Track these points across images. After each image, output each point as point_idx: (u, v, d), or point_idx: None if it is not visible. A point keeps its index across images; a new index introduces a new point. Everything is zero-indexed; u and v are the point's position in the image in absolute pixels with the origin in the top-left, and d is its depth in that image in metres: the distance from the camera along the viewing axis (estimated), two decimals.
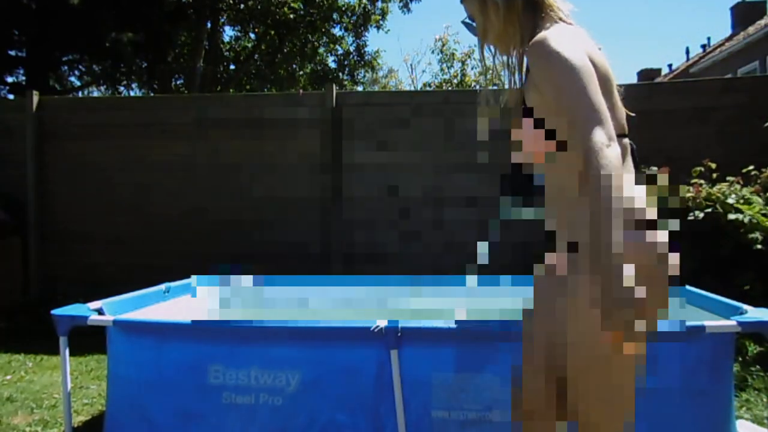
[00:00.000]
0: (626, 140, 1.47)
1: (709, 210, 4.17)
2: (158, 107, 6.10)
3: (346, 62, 16.99)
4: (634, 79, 31.55)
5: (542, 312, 1.46)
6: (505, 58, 1.56)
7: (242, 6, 14.53)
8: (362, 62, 16.93)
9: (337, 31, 16.57)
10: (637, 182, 1.45)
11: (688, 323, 2.25)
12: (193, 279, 3.67)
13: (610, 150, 1.22)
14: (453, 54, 19.22)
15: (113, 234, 5.78)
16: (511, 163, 1.55)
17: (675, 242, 1.41)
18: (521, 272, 3.63)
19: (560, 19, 1.47)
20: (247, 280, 3.81)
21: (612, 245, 1.17)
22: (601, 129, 1.23)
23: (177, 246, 5.69)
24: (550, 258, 1.48)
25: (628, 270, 1.17)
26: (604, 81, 1.39)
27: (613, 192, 1.18)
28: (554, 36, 1.36)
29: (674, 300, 2.95)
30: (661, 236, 1.39)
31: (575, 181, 1.35)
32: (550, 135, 1.39)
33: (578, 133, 1.25)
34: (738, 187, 4.32)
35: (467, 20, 1.60)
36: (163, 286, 3.22)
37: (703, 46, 26.29)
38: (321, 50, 16.89)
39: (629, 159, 1.49)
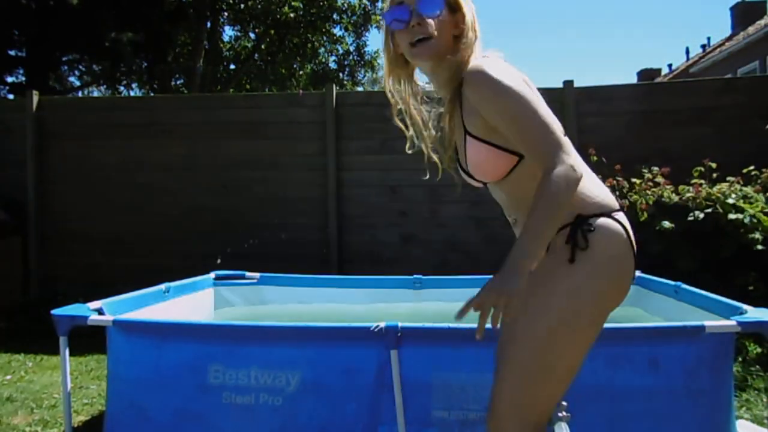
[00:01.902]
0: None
1: (710, 210, 4.17)
2: (158, 107, 6.11)
3: (346, 62, 17.00)
4: (634, 79, 31.55)
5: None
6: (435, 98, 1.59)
7: (242, 6, 14.53)
8: (362, 62, 16.94)
9: (337, 31, 16.59)
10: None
11: (688, 323, 2.25)
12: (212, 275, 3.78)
13: (574, 174, 1.29)
14: None
15: (113, 234, 5.78)
16: None
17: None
18: None
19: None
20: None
21: (527, 253, 1.27)
22: (564, 153, 1.30)
23: (177, 246, 5.69)
24: None
25: (522, 281, 1.25)
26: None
27: (552, 214, 1.28)
28: (490, 65, 1.39)
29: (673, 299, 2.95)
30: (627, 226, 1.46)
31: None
32: (504, 149, 1.43)
33: (542, 156, 1.31)
34: (738, 187, 4.32)
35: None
36: (163, 286, 3.22)
37: (703, 46, 26.30)
38: (321, 50, 16.89)
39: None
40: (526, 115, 1.33)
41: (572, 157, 1.30)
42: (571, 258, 1.37)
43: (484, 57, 1.46)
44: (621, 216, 1.45)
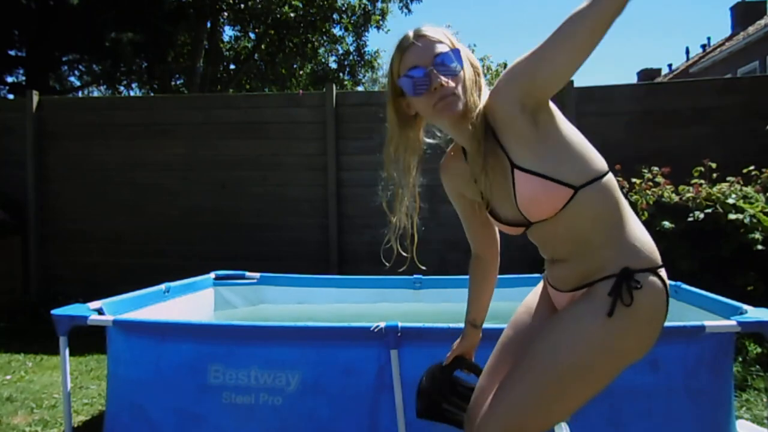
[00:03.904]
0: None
1: (710, 210, 4.17)
2: (158, 107, 6.11)
3: (346, 62, 16.99)
4: (634, 79, 31.58)
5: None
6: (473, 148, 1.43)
7: (242, 6, 14.52)
8: (362, 62, 16.93)
9: (337, 31, 16.58)
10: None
11: (688, 323, 2.25)
12: (212, 275, 3.78)
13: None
14: None
15: (113, 234, 5.78)
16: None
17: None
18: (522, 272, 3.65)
19: None
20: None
21: None
22: None
23: (177, 246, 5.69)
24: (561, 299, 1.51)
25: None
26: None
27: None
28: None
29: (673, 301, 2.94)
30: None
31: (599, 226, 1.38)
32: (555, 181, 1.34)
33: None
34: (738, 187, 4.32)
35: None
36: (163, 286, 3.22)
37: (703, 46, 26.32)
38: (321, 50, 16.88)
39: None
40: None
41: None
42: (610, 312, 1.34)
43: None
44: (664, 273, 1.42)
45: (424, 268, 1.84)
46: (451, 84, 1.38)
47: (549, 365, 1.37)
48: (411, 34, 1.43)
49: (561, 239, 1.42)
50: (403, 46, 1.42)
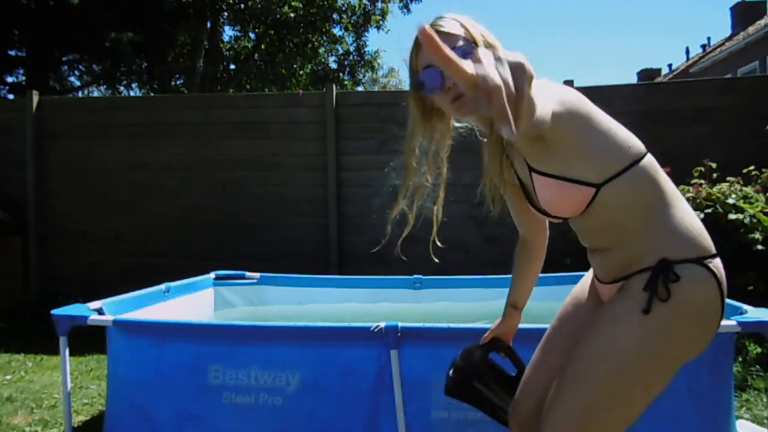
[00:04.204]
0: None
1: (710, 210, 4.17)
2: (158, 107, 6.10)
3: (346, 62, 17.00)
4: (634, 79, 31.58)
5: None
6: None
7: (242, 6, 14.52)
8: (362, 62, 16.94)
9: (337, 31, 16.59)
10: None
11: None
12: (212, 275, 3.78)
13: None
14: None
15: (113, 234, 5.78)
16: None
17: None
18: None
19: None
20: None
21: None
22: None
23: (177, 246, 5.69)
24: (604, 290, 1.44)
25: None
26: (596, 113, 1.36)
27: None
28: None
29: None
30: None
31: (633, 215, 1.30)
32: (574, 181, 1.27)
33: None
34: (738, 187, 4.33)
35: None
36: (163, 286, 3.22)
37: (703, 46, 26.33)
38: (321, 50, 16.89)
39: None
40: None
41: None
42: (646, 308, 1.22)
43: None
44: (716, 264, 1.27)
45: (437, 260, 1.82)
46: None
47: (595, 373, 1.27)
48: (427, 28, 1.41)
49: (596, 231, 1.37)
50: (419, 43, 1.38)
